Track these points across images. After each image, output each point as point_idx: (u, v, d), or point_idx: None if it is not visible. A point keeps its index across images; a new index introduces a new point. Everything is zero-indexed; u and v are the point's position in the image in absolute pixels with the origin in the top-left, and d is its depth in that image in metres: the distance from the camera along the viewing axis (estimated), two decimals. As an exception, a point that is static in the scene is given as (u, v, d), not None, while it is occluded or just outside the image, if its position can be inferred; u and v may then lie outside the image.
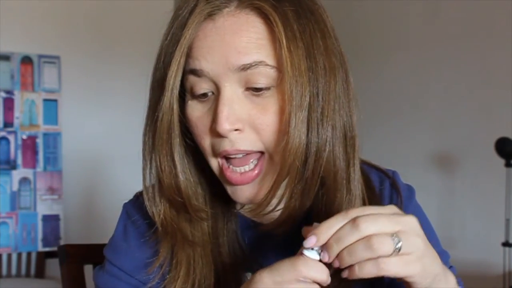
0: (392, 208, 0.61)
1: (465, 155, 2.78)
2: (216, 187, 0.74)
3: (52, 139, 3.05)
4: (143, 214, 0.76)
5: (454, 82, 2.84)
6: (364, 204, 0.74)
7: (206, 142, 0.69)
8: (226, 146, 0.67)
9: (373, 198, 0.77)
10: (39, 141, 3.03)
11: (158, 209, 0.72)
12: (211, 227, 0.75)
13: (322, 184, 0.69)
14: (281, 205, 0.69)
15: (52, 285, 2.90)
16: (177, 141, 0.70)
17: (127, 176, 3.52)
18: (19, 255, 3.08)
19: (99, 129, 3.27)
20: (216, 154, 0.69)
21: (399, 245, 0.56)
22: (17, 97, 3.00)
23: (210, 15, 0.67)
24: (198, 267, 0.73)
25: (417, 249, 0.58)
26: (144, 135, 0.72)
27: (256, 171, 0.69)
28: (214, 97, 0.68)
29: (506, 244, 2.43)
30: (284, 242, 0.75)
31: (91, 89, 3.27)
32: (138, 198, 0.79)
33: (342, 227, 0.58)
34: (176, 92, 0.68)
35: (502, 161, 2.40)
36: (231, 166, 0.69)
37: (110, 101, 3.31)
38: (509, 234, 2.43)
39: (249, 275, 0.74)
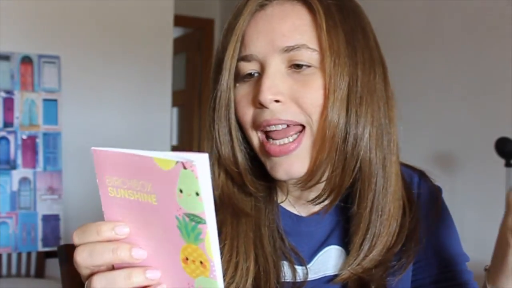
0: None
1: (465, 155, 2.77)
2: (260, 170, 0.79)
3: (52, 139, 3.05)
4: None
5: (454, 82, 2.84)
6: (403, 197, 0.80)
7: (248, 115, 0.76)
8: (267, 116, 0.74)
9: (406, 189, 0.83)
10: (39, 141, 3.02)
11: (216, 182, 0.78)
12: (254, 210, 0.80)
13: (359, 168, 0.75)
14: (323, 178, 0.75)
15: (52, 285, 2.90)
16: (233, 117, 0.77)
17: (127, 176, 3.52)
18: (19, 255, 3.08)
19: (99, 129, 3.26)
20: (257, 126, 0.75)
21: None
22: (17, 97, 3.00)
23: (261, 6, 0.76)
24: (241, 248, 0.77)
25: None
26: (208, 112, 0.80)
27: (295, 144, 0.74)
28: (259, 76, 0.76)
29: (506, 244, 2.42)
30: (320, 234, 0.81)
31: (91, 89, 3.27)
32: None
33: None
34: (232, 72, 0.76)
35: (502, 161, 2.40)
36: (270, 140, 0.75)
37: (110, 101, 3.31)
38: (509, 234, 2.43)
39: (284, 263, 0.78)
